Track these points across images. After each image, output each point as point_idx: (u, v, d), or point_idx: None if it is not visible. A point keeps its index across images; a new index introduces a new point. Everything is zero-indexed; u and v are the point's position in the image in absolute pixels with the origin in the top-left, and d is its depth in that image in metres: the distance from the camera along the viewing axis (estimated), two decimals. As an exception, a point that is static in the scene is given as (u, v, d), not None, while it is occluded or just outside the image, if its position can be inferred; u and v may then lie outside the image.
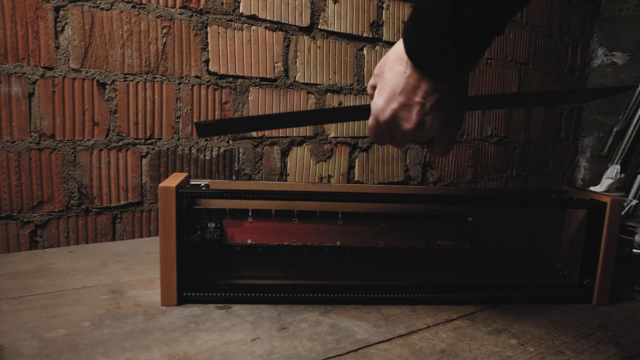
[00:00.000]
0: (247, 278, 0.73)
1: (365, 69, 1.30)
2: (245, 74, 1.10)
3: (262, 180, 1.17)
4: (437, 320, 0.65)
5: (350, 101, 1.28)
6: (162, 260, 0.63)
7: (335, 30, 1.23)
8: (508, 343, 0.60)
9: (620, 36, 1.92)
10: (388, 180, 1.39)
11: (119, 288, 0.71)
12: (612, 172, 1.75)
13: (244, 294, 0.67)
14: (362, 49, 1.29)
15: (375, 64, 1.32)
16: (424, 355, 0.56)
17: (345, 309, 0.67)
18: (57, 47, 0.89)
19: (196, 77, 1.04)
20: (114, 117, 0.96)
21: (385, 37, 1.33)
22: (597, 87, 0.63)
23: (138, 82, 0.98)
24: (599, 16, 1.98)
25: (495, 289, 0.73)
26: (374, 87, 0.57)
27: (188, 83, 1.03)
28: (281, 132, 1.18)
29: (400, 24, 1.36)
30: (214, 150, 1.09)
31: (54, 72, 0.89)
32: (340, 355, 0.55)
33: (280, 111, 1.17)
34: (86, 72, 0.92)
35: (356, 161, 1.33)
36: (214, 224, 0.69)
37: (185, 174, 0.72)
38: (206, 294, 0.66)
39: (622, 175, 1.74)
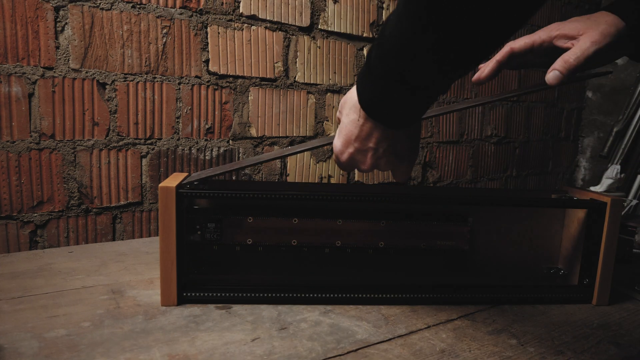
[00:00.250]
0: (247, 278, 0.73)
1: (365, 69, 1.30)
2: (245, 74, 1.10)
3: (262, 180, 1.17)
4: (437, 320, 0.65)
5: (350, 101, 1.28)
6: (162, 260, 0.63)
7: (335, 30, 1.23)
8: (508, 343, 0.60)
9: (620, 36, 1.92)
10: (388, 180, 1.39)
11: (119, 288, 0.71)
12: (612, 172, 1.75)
13: (244, 294, 0.67)
14: (362, 49, 1.29)
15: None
16: (424, 355, 0.56)
17: (345, 309, 0.67)
18: (57, 47, 0.89)
19: (196, 77, 1.04)
20: (114, 117, 0.96)
21: (385, 37, 1.33)
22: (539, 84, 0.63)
23: (138, 82, 0.98)
24: (599, 16, 1.97)
25: (495, 289, 0.73)
26: (339, 121, 0.60)
27: (188, 83, 1.03)
28: (281, 132, 1.18)
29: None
30: (214, 150, 1.09)
31: (54, 72, 0.89)
32: (340, 355, 0.55)
33: (280, 110, 1.16)
34: (86, 72, 0.92)
35: (356, 161, 1.32)
36: (214, 224, 0.69)
37: (185, 174, 0.72)
38: (206, 294, 0.66)
39: (622, 175, 1.74)
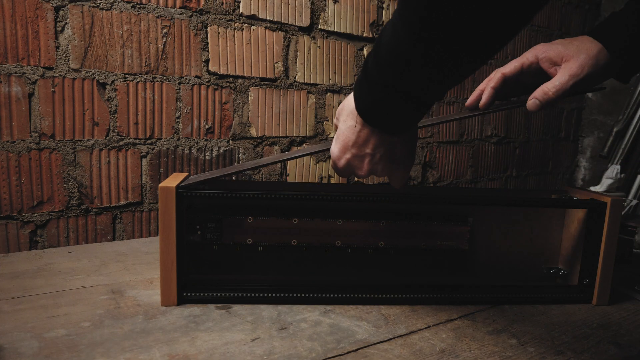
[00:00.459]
0: (247, 278, 0.73)
1: (365, 69, 1.30)
2: (245, 74, 1.10)
3: (262, 180, 1.17)
4: (437, 320, 0.65)
5: (350, 101, 1.28)
6: (162, 260, 0.63)
7: (335, 30, 1.23)
8: (508, 343, 0.60)
9: (620, 36, 1.92)
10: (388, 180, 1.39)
11: (119, 288, 0.71)
12: (612, 172, 1.75)
13: (244, 294, 0.67)
14: (362, 49, 1.29)
15: (375, 64, 1.32)
16: (424, 355, 0.56)
17: (345, 309, 0.67)
18: (57, 47, 0.89)
19: (196, 77, 1.04)
20: (114, 117, 0.96)
21: (385, 37, 1.33)
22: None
23: (138, 82, 0.98)
24: (599, 16, 1.98)
25: (495, 289, 0.73)
26: (336, 127, 0.61)
27: (188, 83, 1.03)
28: (281, 132, 1.18)
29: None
30: (214, 150, 1.09)
31: (54, 72, 0.89)
32: (340, 355, 0.55)
33: (280, 110, 1.16)
34: (86, 72, 0.92)
35: (356, 161, 1.32)
36: (214, 224, 0.69)
37: (185, 174, 0.72)
38: (206, 294, 0.66)
39: (622, 175, 1.74)
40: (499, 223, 0.78)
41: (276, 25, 1.13)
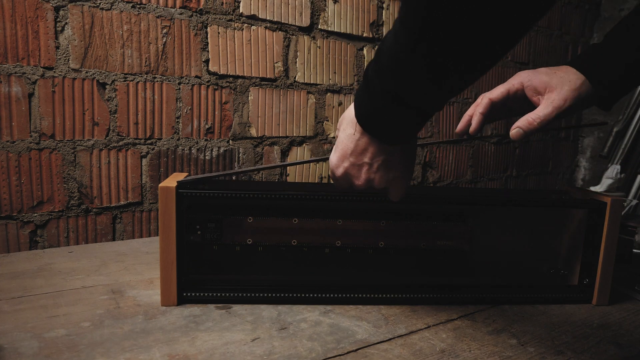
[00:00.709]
0: (247, 278, 0.73)
1: (365, 69, 1.30)
2: (245, 74, 1.10)
3: (262, 180, 1.17)
4: (437, 320, 0.65)
5: (350, 101, 1.28)
6: (162, 260, 0.63)
7: (335, 30, 1.23)
8: (508, 343, 0.60)
9: (620, 36, 1.92)
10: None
11: (119, 288, 0.71)
12: (612, 172, 1.75)
13: (244, 294, 0.67)
14: (362, 49, 1.29)
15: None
16: (424, 355, 0.56)
17: (345, 309, 0.67)
18: (57, 47, 0.89)
19: (196, 77, 1.04)
20: (114, 117, 0.96)
21: (385, 37, 1.33)
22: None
23: (138, 82, 0.98)
24: (599, 16, 1.98)
25: (495, 289, 0.73)
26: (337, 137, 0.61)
27: (188, 83, 1.03)
28: (281, 132, 1.18)
29: (400, 24, 1.36)
30: (214, 150, 1.09)
31: (54, 72, 0.89)
32: (340, 355, 0.55)
33: (280, 110, 1.16)
34: (86, 72, 0.92)
35: (356, 161, 1.32)
36: (214, 224, 0.69)
37: (185, 174, 0.72)
38: (206, 294, 0.66)
39: (622, 175, 1.74)
40: (499, 223, 0.78)
41: (276, 25, 1.13)
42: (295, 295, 0.68)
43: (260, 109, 1.14)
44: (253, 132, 1.14)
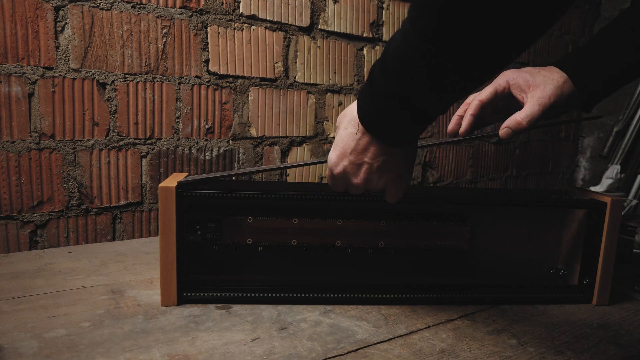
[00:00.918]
0: (247, 278, 0.73)
1: (365, 69, 1.30)
2: (245, 74, 1.10)
3: (262, 180, 1.17)
4: (437, 320, 0.65)
5: (350, 101, 1.28)
6: (162, 260, 0.63)
7: (335, 30, 1.23)
8: (508, 343, 0.60)
9: (620, 36, 1.92)
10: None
11: (119, 288, 0.71)
12: (612, 172, 1.75)
13: (244, 294, 0.67)
14: (362, 49, 1.29)
15: (375, 64, 1.32)
16: (424, 355, 0.56)
17: (345, 309, 0.67)
18: (57, 47, 0.89)
19: (196, 77, 1.04)
20: (114, 117, 0.96)
21: (385, 37, 1.33)
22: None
23: (138, 82, 0.98)
24: (599, 16, 1.98)
25: (495, 289, 0.73)
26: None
27: (188, 83, 1.03)
28: (281, 132, 1.18)
29: (401, 24, 1.36)
30: (214, 150, 1.09)
31: (54, 72, 0.89)
32: (340, 355, 0.55)
33: (280, 110, 1.16)
34: (86, 72, 0.92)
35: (356, 161, 1.32)
36: (214, 224, 0.69)
37: (185, 174, 0.72)
38: (206, 294, 0.66)
39: (622, 175, 1.75)
40: (498, 223, 0.78)
41: (276, 25, 1.13)
42: (295, 295, 0.68)
43: (260, 109, 1.14)
44: (253, 132, 1.14)
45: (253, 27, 1.10)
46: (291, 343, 0.57)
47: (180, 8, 1.00)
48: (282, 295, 0.67)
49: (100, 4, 0.92)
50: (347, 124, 0.57)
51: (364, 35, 1.28)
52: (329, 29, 1.22)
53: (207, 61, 1.05)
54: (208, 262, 0.72)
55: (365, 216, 0.72)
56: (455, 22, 0.39)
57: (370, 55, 1.31)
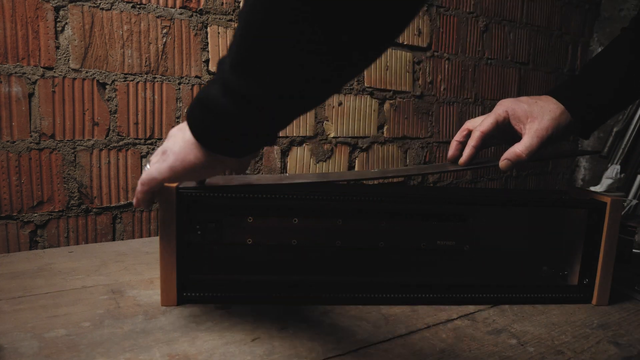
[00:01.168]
0: (247, 278, 0.73)
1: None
2: (245, 74, 1.10)
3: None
4: (437, 320, 0.65)
5: (350, 101, 1.28)
6: (162, 260, 0.63)
7: (335, 30, 1.23)
8: (508, 343, 0.60)
9: (620, 36, 1.92)
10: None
11: (119, 288, 0.71)
12: (612, 172, 1.75)
13: (244, 294, 0.67)
14: (362, 49, 1.29)
15: (375, 63, 1.32)
16: (424, 355, 0.56)
17: (345, 309, 0.67)
18: (57, 47, 0.89)
19: (196, 77, 1.04)
20: (114, 117, 0.96)
21: (385, 37, 1.33)
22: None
23: (138, 82, 0.98)
24: (599, 16, 1.98)
25: (495, 289, 0.73)
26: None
27: (188, 83, 1.03)
28: (281, 132, 1.18)
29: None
30: (214, 150, 1.08)
31: (54, 72, 0.89)
32: (340, 355, 0.55)
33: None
34: (86, 72, 0.92)
35: (356, 161, 1.33)
36: (214, 224, 0.69)
37: (185, 174, 0.72)
38: (206, 294, 0.66)
39: (622, 175, 1.75)
40: (499, 223, 0.78)
41: (276, 25, 1.13)
42: (295, 295, 0.68)
43: (260, 109, 1.14)
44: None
45: (253, 27, 1.10)
46: (291, 343, 0.57)
47: (180, 8, 1.00)
48: (282, 295, 0.67)
49: (100, 4, 0.92)
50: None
51: (364, 35, 1.28)
52: (329, 29, 1.21)
53: (207, 61, 1.05)
54: (208, 262, 0.72)
55: (365, 216, 0.72)
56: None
57: (370, 55, 1.31)
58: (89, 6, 0.90)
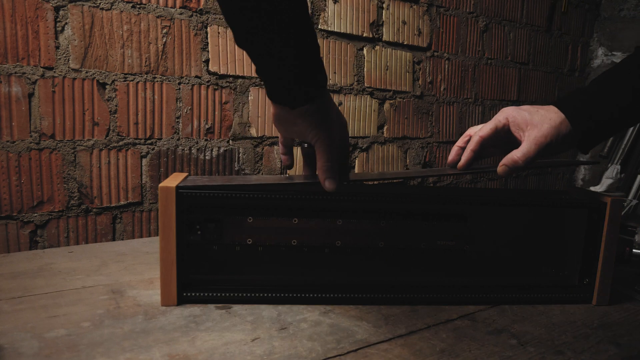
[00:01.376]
0: (247, 278, 0.73)
1: (365, 69, 1.30)
2: (245, 74, 1.10)
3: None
4: (437, 320, 0.65)
5: (350, 101, 1.28)
6: (162, 260, 0.63)
7: (335, 30, 1.23)
8: (508, 343, 0.60)
9: (620, 36, 1.92)
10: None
11: (119, 288, 0.71)
12: (612, 172, 1.75)
13: (244, 294, 0.67)
14: (362, 49, 1.29)
15: (375, 64, 1.32)
16: (424, 355, 0.56)
17: (345, 309, 0.67)
18: (57, 47, 0.89)
19: (196, 77, 1.04)
20: (114, 117, 0.96)
21: (385, 37, 1.33)
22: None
23: (138, 82, 0.98)
24: (599, 16, 1.98)
25: (495, 289, 0.73)
26: None
27: (188, 83, 1.03)
28: (281, 132, 1.18)
29: (401, 23, 1.36)
30: (214, 150, 1.09)
31: (54, 72, 0.89)
32: (340, 355, 0.55)
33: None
34: (86, 72, 0.92)
35: (356, 161, 1.33)
36: (214, 224, 0.69)
37: (185, 174, 0.72)
38: (206, 294, 0.66)
39: (622, 175, 1.75)
40: (499, 223, 0.78)
41: (276, 25, 1.13)
42: (295, 295, 0.68)
43: (260, 109, 1.14)
44: (253, 132, 1.14)
45: (253, 27, 1.10)
46: (291, 343, 0.57)
47: (180, 8, 1.00)
48: (282, 295, 0.67)
49: (100, 4, 0.92)
50: None
51: (364, 35, 1.28)
52: (329, 28, 1.22)
53: (207, 61, 1.05)
54: (208, 262, 0.72)
55: (365, 216, 0.72)
56: None
57: (370, 55, 1.31)
58: (89, 6, 0.90)
